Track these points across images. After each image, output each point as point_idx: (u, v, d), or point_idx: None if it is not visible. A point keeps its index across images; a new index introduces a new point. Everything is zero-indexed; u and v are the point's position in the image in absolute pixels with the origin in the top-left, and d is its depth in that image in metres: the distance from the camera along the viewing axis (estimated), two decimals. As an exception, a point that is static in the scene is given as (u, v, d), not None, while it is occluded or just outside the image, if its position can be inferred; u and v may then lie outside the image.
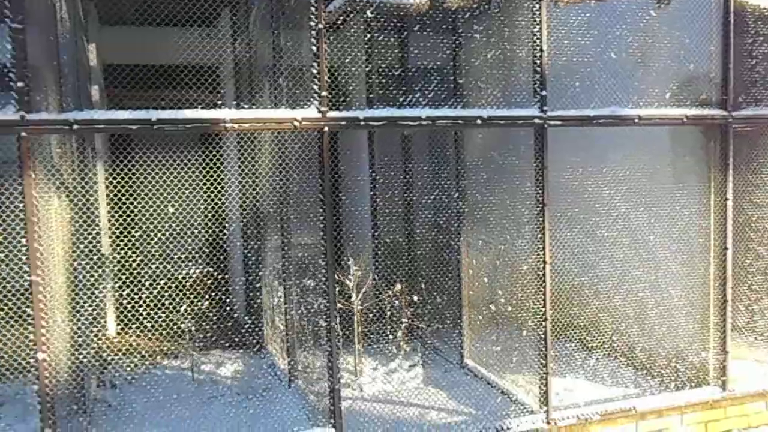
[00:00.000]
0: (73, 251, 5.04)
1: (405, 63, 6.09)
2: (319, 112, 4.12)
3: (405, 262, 6.93)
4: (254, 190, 6.50)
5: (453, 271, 6.10)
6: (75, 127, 3.66)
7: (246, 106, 4.57)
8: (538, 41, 4.57)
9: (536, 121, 4.56)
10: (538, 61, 4.57)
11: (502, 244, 5.48)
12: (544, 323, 4.73)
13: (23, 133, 3.55)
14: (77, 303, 4.78)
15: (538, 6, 4.55)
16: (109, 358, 6.52)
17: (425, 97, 5.10)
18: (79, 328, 4.65)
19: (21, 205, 3.62)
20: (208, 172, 5.92)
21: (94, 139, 6.73)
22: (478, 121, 4.47)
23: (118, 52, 8.69)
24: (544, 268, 4.67)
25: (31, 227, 3.59)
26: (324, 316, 4.34)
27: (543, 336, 4.73)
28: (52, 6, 4.95)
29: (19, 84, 3.53)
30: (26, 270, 3.62)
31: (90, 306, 5.04)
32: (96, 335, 5.64)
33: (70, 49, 5.78)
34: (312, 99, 4.13)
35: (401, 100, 4.86)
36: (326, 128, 4.13)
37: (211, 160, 6.45)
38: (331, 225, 4.17)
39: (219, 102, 8.22)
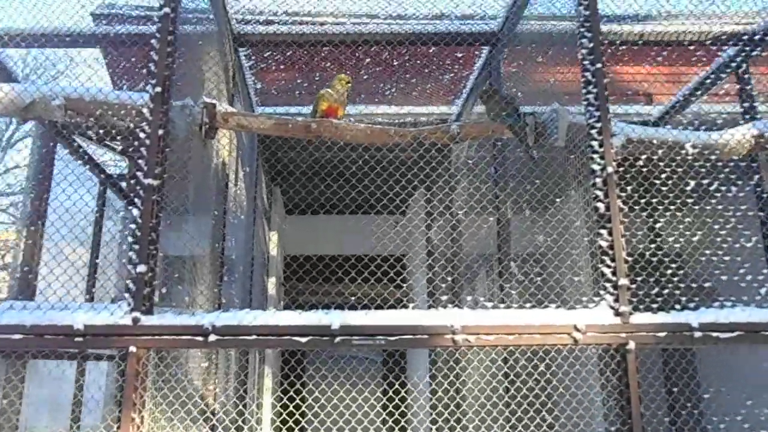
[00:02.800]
0: None
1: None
2: (617, 314, 2.30)
3: None
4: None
5: None
6: (212, 338, 2.19)
7: (491, 304, 2.96)
8: None
9: None
10: None
11: None
12: None
13: (132, 348, 2.15)
14: None
15: None
16: None
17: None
18: None
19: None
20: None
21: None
22: None
23: (300, 242, 7.90)
24: None
25: None
26: None
27: None
28: (223, 182, 3.97)
29: (140, 269, 2.22)
30: None
31: None
32: None
33: (243, 234, 4.78)
34: (601, 293, 2.35)
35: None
36: (631, 343, 2.27)
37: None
38: None
39: (407, 298, 6.86)
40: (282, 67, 4.31)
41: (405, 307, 3.21)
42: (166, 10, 2.48)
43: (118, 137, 3.60)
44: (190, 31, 3.18)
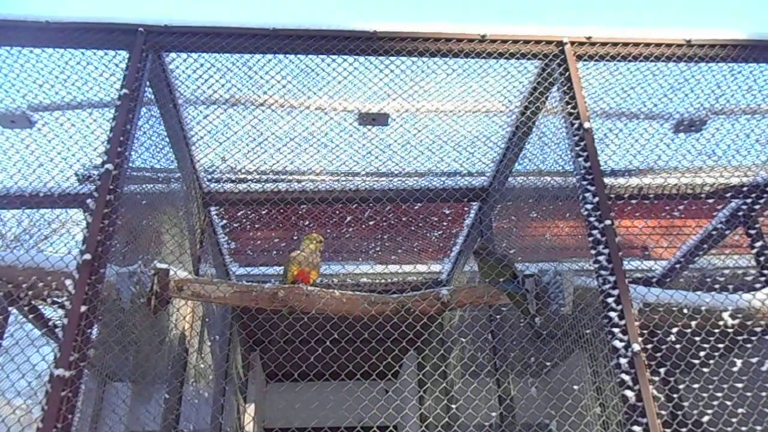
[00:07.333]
0: None
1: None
2: None
3: None
4: None
5: None
6: None
7: None
8: None
9: None
10: None
11: None
12: None
13: None
14: None
15: None
16: None
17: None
18: None
19: None
20: None
21: None
22: None
23: (281, 413, 7.14)
24: None
25: None
26: None
27: None
28: (181, 354, 3.47)
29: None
30: None
31: None
32: None
33: (208, 409, 4.17)
34: None
35: None
36: None
37: None
38: None
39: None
40: (257, 225, 3.99)
41: None
42: (109, 166, 2.16)
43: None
44: (146, 191, 2.88)
